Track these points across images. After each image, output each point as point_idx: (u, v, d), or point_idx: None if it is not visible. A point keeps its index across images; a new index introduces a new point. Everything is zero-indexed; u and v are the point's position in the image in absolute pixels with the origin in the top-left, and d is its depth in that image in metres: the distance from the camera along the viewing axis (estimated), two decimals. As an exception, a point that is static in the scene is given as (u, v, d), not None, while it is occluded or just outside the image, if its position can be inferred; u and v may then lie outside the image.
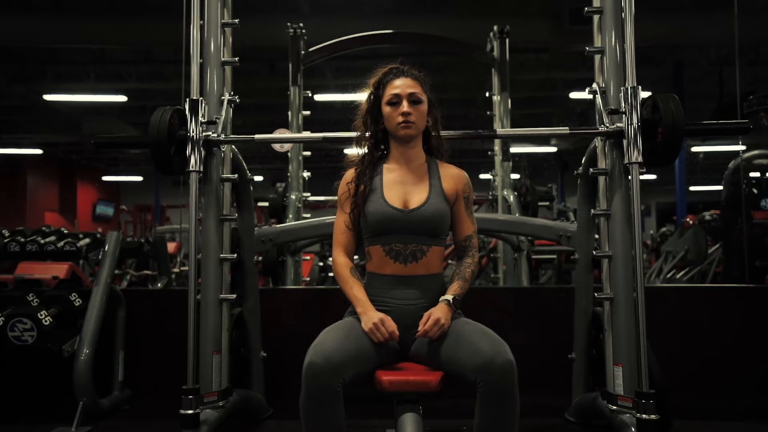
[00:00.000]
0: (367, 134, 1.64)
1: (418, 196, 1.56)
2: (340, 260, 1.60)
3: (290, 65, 3.74)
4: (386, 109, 1.59)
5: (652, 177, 11.15)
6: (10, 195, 11.72)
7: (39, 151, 12.17)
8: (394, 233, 1.53)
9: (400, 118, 1.56)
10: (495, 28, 3.94)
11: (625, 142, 1.65)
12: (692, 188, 10.69)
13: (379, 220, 1.54)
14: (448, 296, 1.51)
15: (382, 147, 1.65)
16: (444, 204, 1.57)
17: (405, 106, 1.55)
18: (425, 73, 1.64)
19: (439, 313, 1.45)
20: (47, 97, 8.55)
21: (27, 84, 8.53)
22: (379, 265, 1.56)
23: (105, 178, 14.85)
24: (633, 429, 1.62)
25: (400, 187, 1.58)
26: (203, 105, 1.78)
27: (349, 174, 1.63)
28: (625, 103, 1.65)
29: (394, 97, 1.57)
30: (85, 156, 13.52)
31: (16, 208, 11.62)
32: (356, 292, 1.53)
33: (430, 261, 1.54)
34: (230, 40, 2.02)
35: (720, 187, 4.70)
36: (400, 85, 1.58)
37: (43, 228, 2.58)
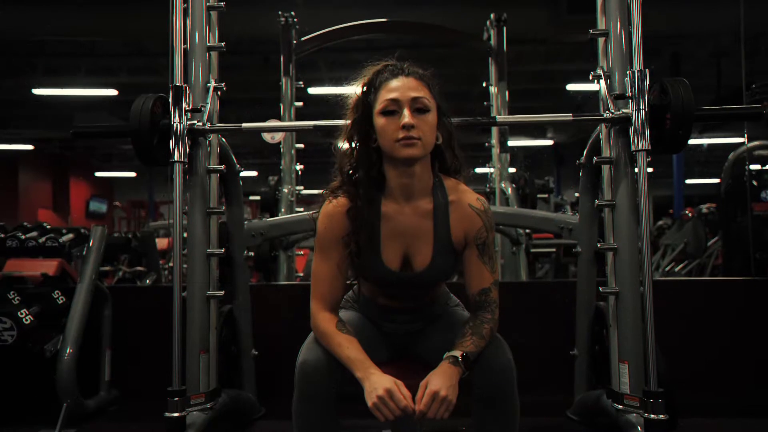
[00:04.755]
0: (351, 159, 1.26)
1: (421, 254, 1.28)
2: (323, 316, 1.26)
3: (282, 56, 3.65)
4: (380, 120, 1.21)
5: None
6: (2, 192, 11.59)
7: (30, 147, 12.02)
8: (392, 288, 1.34)
9: (400, 133, 1.18)
10: (492, 16, 3.86)
11: (631, 128, 1.58)
12: (687, 181, 10.66)
13: (374, 282, 1.33)
14: (456, 352, 1.20)
15: (377, 172, 1.26)
16: (451, 259, 1.30)
17: (406, 117, 1.18)
18: (432, 72, 1.26)
19: (438, 382, 1.16)
20: (36, 92, 8.41)
21: (15, 78, 8.39)
22: (373, 295, 1.38)
23: (98, 174, 14.71)
24: (640, 429, 1.55)
25: (401, 242, 1.27)
26: (187, 92, 1.69)
27: (336, 210, 1.27)
28: (631, 88, 1.57)
29: (391, 103, 1.20)
30: (78, 152, 13.37)
31: (9, 206, 11.48)
32: (349, 352, 1.21)
33: (433, 295, 1.39)
34: (216, 24, 1.93)
35: (716, 180, 4.65)
36: (399, 87, 1.20)
37: (25, 223, 2.50)
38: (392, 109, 1.20)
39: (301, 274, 4.18)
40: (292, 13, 3.68)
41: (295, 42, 3.66)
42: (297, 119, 3.65)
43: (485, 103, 3.91)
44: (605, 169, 1.79)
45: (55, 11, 6.03)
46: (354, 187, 1.27)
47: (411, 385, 1.25)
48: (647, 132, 1.55)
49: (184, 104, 1.67)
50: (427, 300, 1.40)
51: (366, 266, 1.29)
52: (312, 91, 7.01)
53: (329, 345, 1.24)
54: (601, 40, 1.80)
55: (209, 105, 1.79)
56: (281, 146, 3.56)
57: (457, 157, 1.31)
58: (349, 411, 1.27)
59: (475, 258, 1.28)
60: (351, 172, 1.28)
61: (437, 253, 1.27)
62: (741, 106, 1.67)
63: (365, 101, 1.25)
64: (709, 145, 10.11)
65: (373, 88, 1.24)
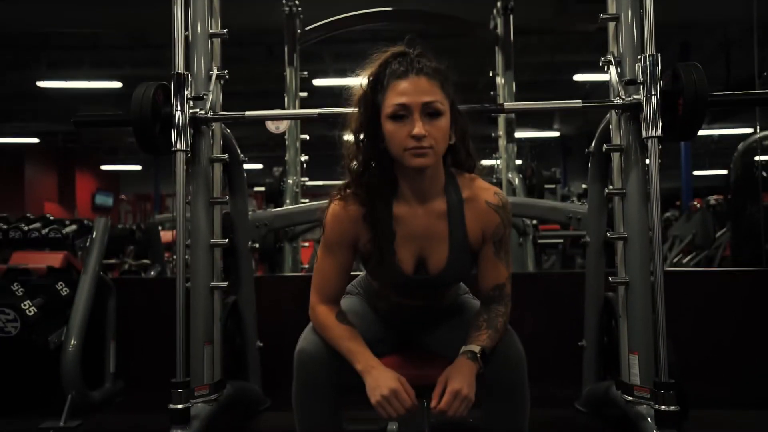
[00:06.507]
0: (359, 160, 1.19)
1: (436, 256, 1.22)
2: (322, 308, 1.23)
3: (286, 46, 3.62)
4: (388, 125, 1.12)
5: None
6: (8, 185, 11.64)
7: (36, 140, 12.06)
8: (405, 289, 1.29)
9: (410, 142, 1.10)
10: (498, 4, 3.81)
11: (642, 115, 1.54)
12: (695, 172, 10.55)
13: (387, 284, 1.29)
14: (474, 347, 1.16)
15: (389, 175, 1.20)
16: (468, 259, 1.24)
17: (418, 125, 1.09)
18: (445, 64, 1.17)
19: (458, 379, 1.12)
20: (41, 84, 8.41)
21: (20, 71, 8.38)
22: (383, 292, 1.33)
23: (104, 167, 14.73)
24: (650, 420, 1.53)
25: (415, 245, 1.22)
26: (189, 80, 1.67)
27: (347, 214, 1.20)
28: (643, 73, 1.53)
29: (400, 108, 1.11)
30: (83, 145, 13.39)
31: (15, 198, 11.54)
32: (349, 344, 1.18)
33: (447, 293, 1.36)
34: (219, 11, 1.90)
35: (724, 172, 4.59)
36: (408, 90, 1.10)
37: (28, 215, 2.49)
38: (402, 114, 1.11)
39: (306, 266, 4.16)
40: (296, 2, 3.64)
41: (299, 31, 3.63)
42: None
43: (492, 92, 3.86)
44: (615, 157, 1.75)
45: (59, 3, 6.01)
46: (365, 189, 1.20)
47: (417, 375, 1.23)
48: (659, 118, 1.51)
49: (186, 92, 1.64)
50: (439, 296, 1.37)
51: (379, 269, 1.25)
52: (317, 82, 6.97)
53: (329, 337, 1.21)
54: (611, 25, 1.75)
55: (212, 93, 1.76)
56: (285, 137, 3.54)
57: (470, 155, 1.24)
58: (356, 401, 1.25)
59: (491, 254, 1.23)
60: (360, 171, 1.21)
61: (453, 255, 1.21)
62: (755, 91, 1.62)
63: (373, 99, 1.16)
64: (719, 135, 10.01)
65: (380, 85, 1.15)
